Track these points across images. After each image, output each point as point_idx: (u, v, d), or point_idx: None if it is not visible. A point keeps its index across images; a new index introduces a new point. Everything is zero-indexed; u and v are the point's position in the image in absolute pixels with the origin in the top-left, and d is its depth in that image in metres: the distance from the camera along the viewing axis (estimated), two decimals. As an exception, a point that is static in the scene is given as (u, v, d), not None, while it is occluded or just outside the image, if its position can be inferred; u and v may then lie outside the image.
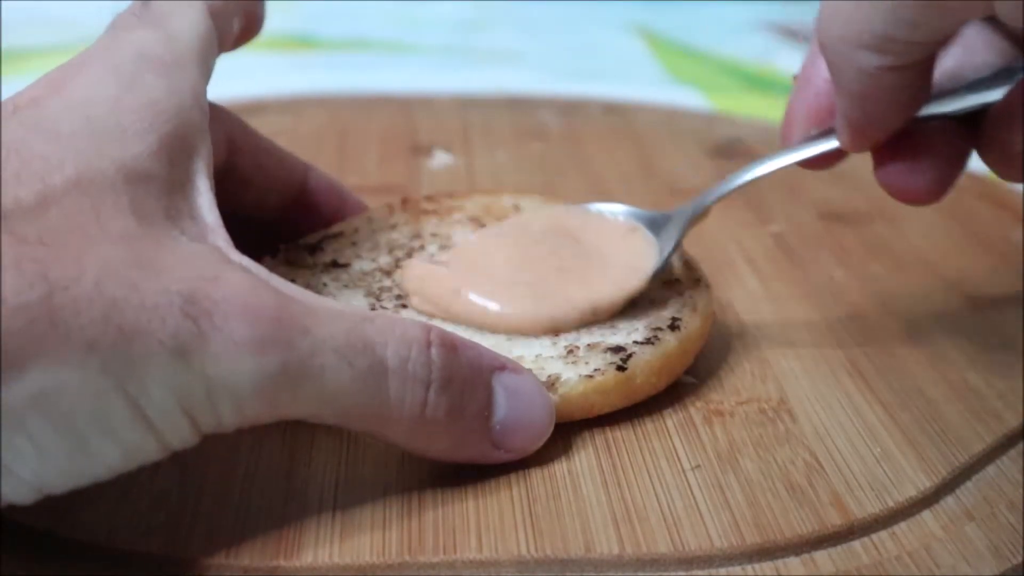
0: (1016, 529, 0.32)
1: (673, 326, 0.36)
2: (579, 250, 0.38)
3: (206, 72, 0.34)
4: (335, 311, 0.29)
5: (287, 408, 0.28)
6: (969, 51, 0.36)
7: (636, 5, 0.99)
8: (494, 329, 0.36)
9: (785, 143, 0.37)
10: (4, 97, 0.31)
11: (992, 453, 0.35)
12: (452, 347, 0.31)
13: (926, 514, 0.32)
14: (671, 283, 0.39)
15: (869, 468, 0.33)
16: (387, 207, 0.44)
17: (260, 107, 0.62)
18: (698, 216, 0.39)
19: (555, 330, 0.36)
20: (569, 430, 0.34)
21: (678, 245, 0.38)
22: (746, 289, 0.45)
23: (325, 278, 0.39)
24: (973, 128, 0.35)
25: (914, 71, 0.32)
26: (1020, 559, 0.30)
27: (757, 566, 0.30)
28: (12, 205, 0.26)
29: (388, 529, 0.30)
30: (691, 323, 0.37)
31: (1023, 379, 0.38)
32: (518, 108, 0.65)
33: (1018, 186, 0.56)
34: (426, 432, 0.30)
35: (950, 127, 0.35)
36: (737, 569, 0.30)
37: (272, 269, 0.38)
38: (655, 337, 0.36)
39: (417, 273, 0.38)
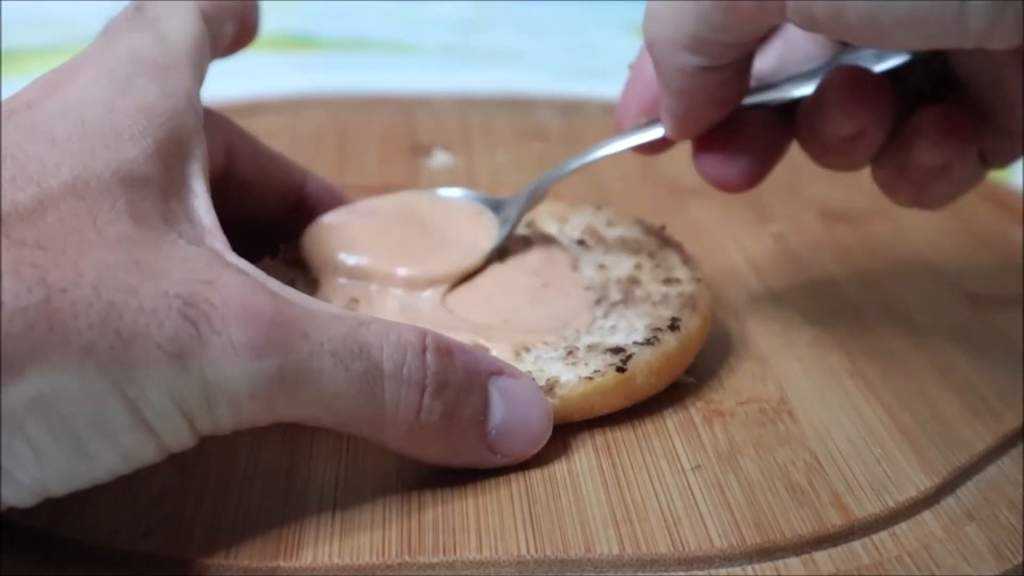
0: (1016, 529, 0.32)
1: (673, 326, 0.36)
2: (425, 231, 0.40)
3: (199, 75, 0.34)
4: (332, 314, 0.29)
5: (283, 411, 0.28)
6: (790, 46, 0.38)
7: (636, 5, 0.98)
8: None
9: (618, 130, 0.39)
10: (3, 97, 0.31)
11: (992, 453, 0.35)
12: (447, 351, 0.31)
13: (926, 514, 0.32)
14: (671, 282, 0.39)
15: (869, 468, 0.33)
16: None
17: (260, 107, 0.62)
18: (535, 199, 0.41)
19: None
20: (569, 430, 0.34)
21: (515, 226, 0.40)
22: (746, 289, 0.45)
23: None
24: (791, 119, 0.38)
25: (730, 70, 0.34)
26: (1020, 559, 0.30)
27: (757, 566, 0.30)
28: (9, 209, 0.26)
29: (388, 529, 0.30)
30: (691, 323, 0.37)
31: (1023, 379, 0.38)
32: (518, 108, 0.65)
33: (1018, 186, 0.56)
34: (422, 436, 0.30)
35: (770, 118, 0.38)
36: (737, 569, 0.30)
37: (272, 269, 0.38)
38: (655, 338, 0.36)
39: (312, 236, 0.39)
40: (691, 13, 0.32)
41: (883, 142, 0.36)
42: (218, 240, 0.30)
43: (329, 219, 0.40)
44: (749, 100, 0.37)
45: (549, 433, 0.33)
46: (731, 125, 0.37)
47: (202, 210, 0.30)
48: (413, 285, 0.38)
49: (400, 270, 0.38)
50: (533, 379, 0.33)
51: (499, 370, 0.32)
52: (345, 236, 0.39)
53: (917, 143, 0.36)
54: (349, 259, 0.38)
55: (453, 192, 0.42)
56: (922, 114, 0.36)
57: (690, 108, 0.36)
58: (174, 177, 0.30)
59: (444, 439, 0.31)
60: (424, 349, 0.30)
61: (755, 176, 0.38)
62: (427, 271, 0.38)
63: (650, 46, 0.34)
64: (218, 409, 0.27)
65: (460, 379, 0.31)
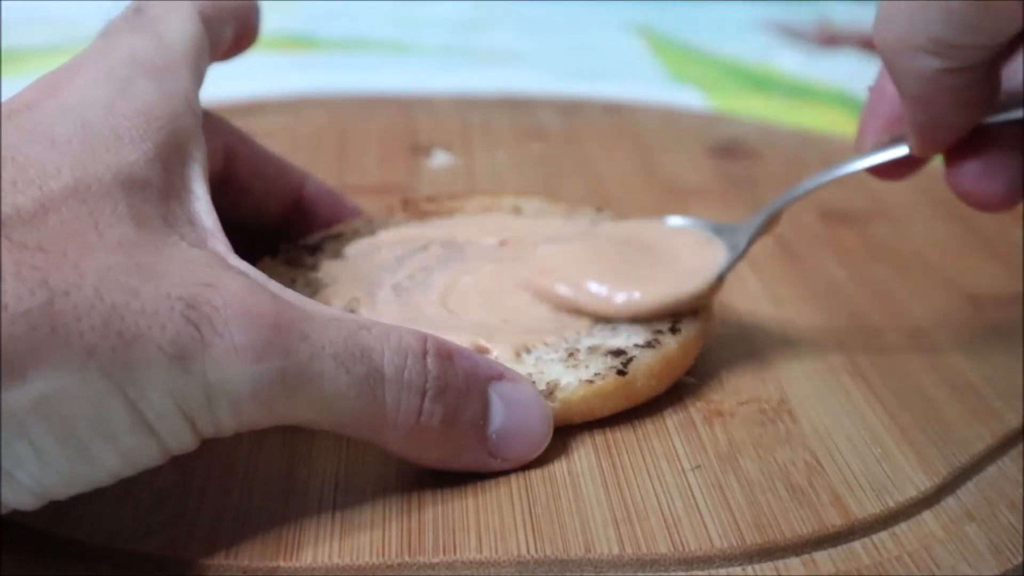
0: (1017, 529, 0.32)
1: (673, 328, 0.36)
2: (650, 256, 0.39)
3: (198, 77, 0.34)
4: (333, 317, 0.29)
5: (284, 413, 0.28)
6: None
7: (636, 5, 0.99)
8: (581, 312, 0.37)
9: (858, 151, 0.37)
10: (3, 98, 0.31)
11: (992, 453, 0.35)
12: (448, 356, 0.31)
13: (926, 514, 0.32)
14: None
15: (869, 468, 0.33)
16: (387, 208, 0.44)
17: (260, 107, 0.62)
18: (769, 224, 0.39)
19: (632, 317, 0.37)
20: (569, 431, 0.34)
21: (744, 252, 0.38)
22: (746, 289, 0.45)
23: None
24: None
25: (976, 73, 0.31)
26: (1020, 559, 0.30)
27: (757, 566, 0.30)
28: (10, 212, 0.26)
29: (388, 529, 0.30)
30: (691, 325, 0.37)
31: (1023, 379, 0.38)
32: (518, 108, 0.65)
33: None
34: (422, 440, 0.31)
35: (1022, 135, 0.34)
36: (737, 569, 0.30)
37: (272, 269, 0.38)
38: (655, 340, 0.36)
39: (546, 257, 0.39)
40: (933, 14, 0.29)
41: None
42: (220, 242, 0.30)
43: (556, 244, 0.39)
44: (1002, 117, 0.34)
45: (549, 437, 0.33)
46: (983, 141, 0.34)
47: (203, 212, 0.30)
48: (634, 311, 0.37)
49: (620, 295, 0.37)
50: (533, 383, 0.33)
51: (499, 374, 0.32)
52: (569, 260, 0.38)
53: None
54: (564, 290, 0.37)
55: (682, 220, 0.41)
56: None
57: (934, 116, 0.33)
58: (174, 180, 0.30)
59: (444, 443, 0.31)
60: (425, 353, 0.30)
61: (1015, 193, 0.34)
62: (650, 296, 0.37)
63: (884, 52, 0.32)
64: (219, 411, 0.27)
65: (460, 383, 0.31)
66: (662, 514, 0.31)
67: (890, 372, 0.39)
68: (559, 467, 0.33)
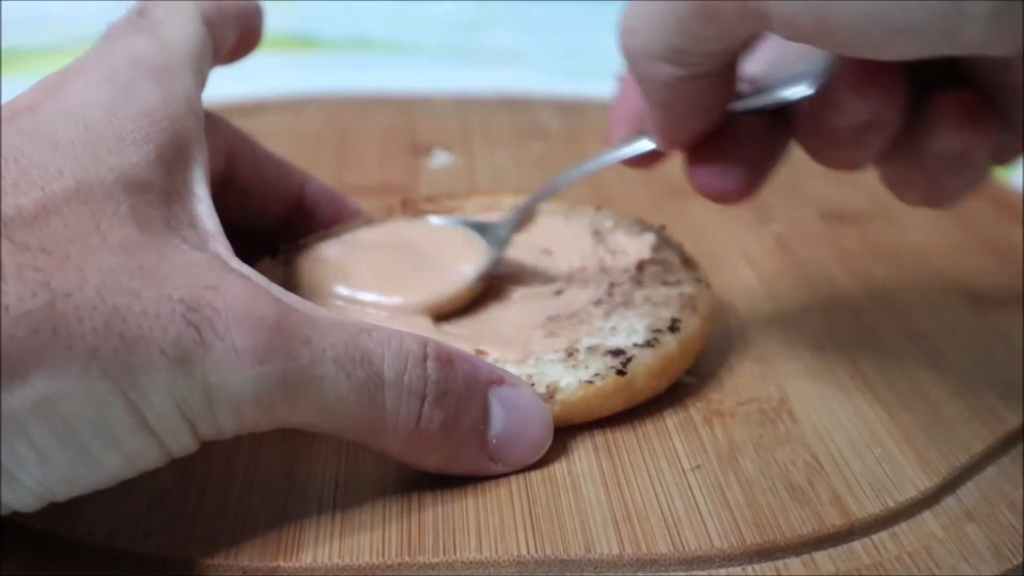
0: (1016, 529, 0.32)
1: (673, 328, 0.36)
2: (415, 259, 0.39)
3: (200, 79, 0.34)
4: (334, 321, 0.29)
5: (285, 416, 0.28)
6: (784, 44, 0.36)
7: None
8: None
9: (609, 143, 0.38)
10: (3, 99, 0.31)
11: (992, 453, 0.35)
12: (448, 360, 0.31)
13: (926, 514, 0.32)
14: (671, 283, 0.39)
15: (869, 468, 0.33)
16: (387, 208, 0.44)
17: (260, 107, 0.62)
18: (523, 220, 0.41)
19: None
20: (569, 431, 0.34)
21: (503, 249, 0.40)
22: (746, 289, 0.45)
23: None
24: (787, 122, 0.35)
25: (713, 78, 0.32)
26: (1020, 559, 0.30)
27: (757, 566, 0.30)
28: (13, 213, 0.26)
29: (388, 529, 0.30)
30: (691, 324, 0.37)
31: (1023, 379, 0.38)
32: (518, 108, 0.65)
33: (1018, 186, 0.56)
34: (422, 444, 0.31)
35: (764, 123, 0.35)
36: (737, 569, 0.30)
37: (271, 270, 0.38)
38: (655, 339, 0.36)
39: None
40: (667, 23, 0.30)
41: (895, 132, 0.34)
42: (221, 245, 0.30)
43: (324, 252, 0.39)
44: (741, 105, 0.35)
45: (549, 442, 0.33)
46: (723, 133, 0.35)
47: (205, 215, 0.30)
48: (402, 313, 0.37)
49: (390, 299, 0.37)
50: (533, 387, 0.33)
51: (500, 379, 0.32)
52: (338, 268, 0.38)
53: (936, 129, 0.33)
54: (343, 291, 0.37)
55: (444, 220, 0.42)
56: (940, 98, 0.33)
57: (674, 119, 0.34)
58: (176, 182, 0.30)
59: (444, 447, 0.31)
60: (425, 358, 0.30)
61: (751, 185, 0.36)
62: (414, 299, 0.37)
63: (627, 58, 0.33)
64: (220, 413, 0.27)
65: (460, 388, 0.31)
66: (662, 514, 0.31)
67: (890, 372, 0.39)
68: (559, 467, 0.33)
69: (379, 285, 0.38)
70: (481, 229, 0.41)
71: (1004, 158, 0.36)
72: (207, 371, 0.26)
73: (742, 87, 0.36)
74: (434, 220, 0.42)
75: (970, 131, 0.33)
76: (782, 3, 0.27)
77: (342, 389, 0.29)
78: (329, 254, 0.39)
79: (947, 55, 0.27)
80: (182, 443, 0.27)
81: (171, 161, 0.30)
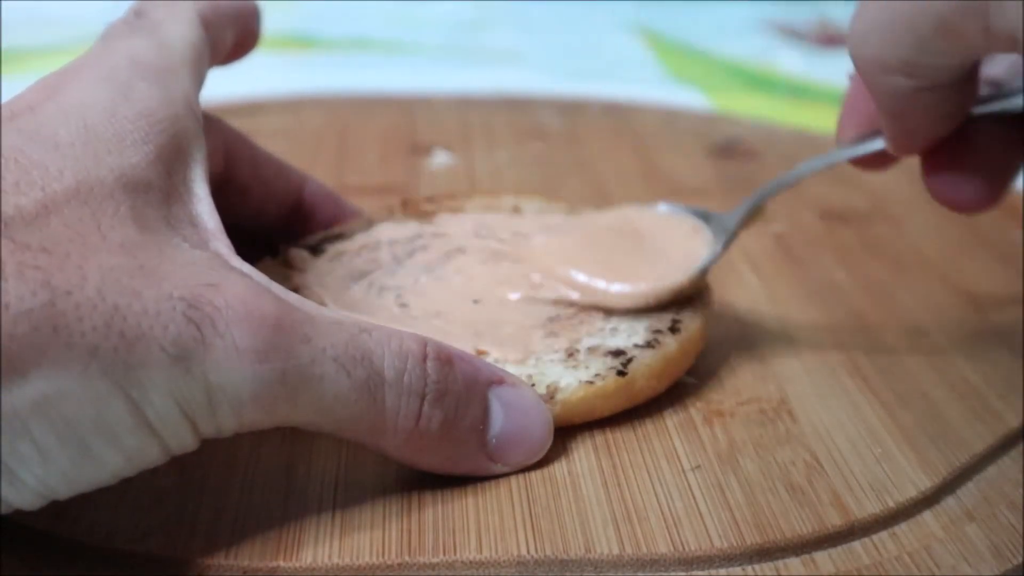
0: (1016, 529, 0.32)
1: (673, 328, 0.36)
2: (640, 246, 0.39)
3: (199, 80, 0.34)
4: (334, 320, 0.29)
5: (285, 415, 0.28)
6: None
7: (636, 5, 0.99)
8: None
9: (839, 141, 0.37)
10: (3, 99, 0.31)
11: (992, 453, 0.35)
12: (448, 360, 0.31)
13: (926, 514, 0.32)
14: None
15: (869, 468, 0.33)
16: (387, 208, 0.44)
17: (260, 107, 0.62)
18: (753, 214, 0.39)
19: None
20: (569, 431, 0.34)
21: (728, 244, 0.39)
22: (746, 289, 0.45)
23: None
24: None
25: (950, 89, 0.31)
26: (1020, 559, 0.30)
27: (757, 566, 0.30)
28: (13, 213, 0.26)
29: (388, 529, 0.30)
30: (691, 325, 0.37)
31: (1023, 379, 0.38)
32: (518, 108, 0.65)
33: (1018, 186, 0.56)
34: (421, 444, 0.31)
35: (1006, 128, 0.34)
36: (737, 569, 0.30)
37: (272, 270, 0.38)
38: (655, 340, 0.36)
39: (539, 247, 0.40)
40: (904, 38, 0.29)
41: None
42: (222, 244, 0.30)
43: (549, 235, 0.40)
44: (981, 109, 0.34)
45: (549, 442, 0.33)
46: (961, 139, 0.34)
47: (205, 214, 0.30)
48: (624, 303, 0.37)
49: (614, 287, 0.37)
50: (533, 387, 0.33)
51: (499, 379, 0.32)
52: (565, 251, 0.39)
53: None
54: (578, 276, 0.38)
55: (673, 208, 0.41)
56: None
57: (907, 127, 0.33)
58: (176, 182, 0.30)
59: (443, 447, 0.31)
60: (425, 357, 0.30)
61: (992, 195, 0.34)
62: (640, 288, 0.37)
63: (857, 65, 0.32)
64: (220, 412, 0.27)
65: (460, 388, 0.31)
66: (662, 514, 0.31)
67: (890, 372, 0.39)
68: (559, 467, 0.33)
69: (604, 272, 0.38)
70: (707, 219, 0.40)
71: None
72: (207, 369, 0.26)
73: (983, 90, 0.34)
74: (663, 207, 0.41)
75: None
76: None
77: (342, 388, 0.29)
78: (556, 237, 0.40)
79: None
80: (182, 441, 0.27)
81: (171, 161, 0.30)
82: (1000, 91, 0.34)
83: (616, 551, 0.30)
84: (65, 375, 0.25)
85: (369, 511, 0.31)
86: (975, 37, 0.28)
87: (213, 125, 0.37)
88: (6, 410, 0.24)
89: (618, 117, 0.65)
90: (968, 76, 0.32)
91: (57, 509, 0.28)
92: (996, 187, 0.34)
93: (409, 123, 0.62)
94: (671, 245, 0.39)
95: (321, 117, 0.62)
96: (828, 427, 0.35)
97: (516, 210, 0.44)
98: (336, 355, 0.28)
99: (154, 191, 0.29)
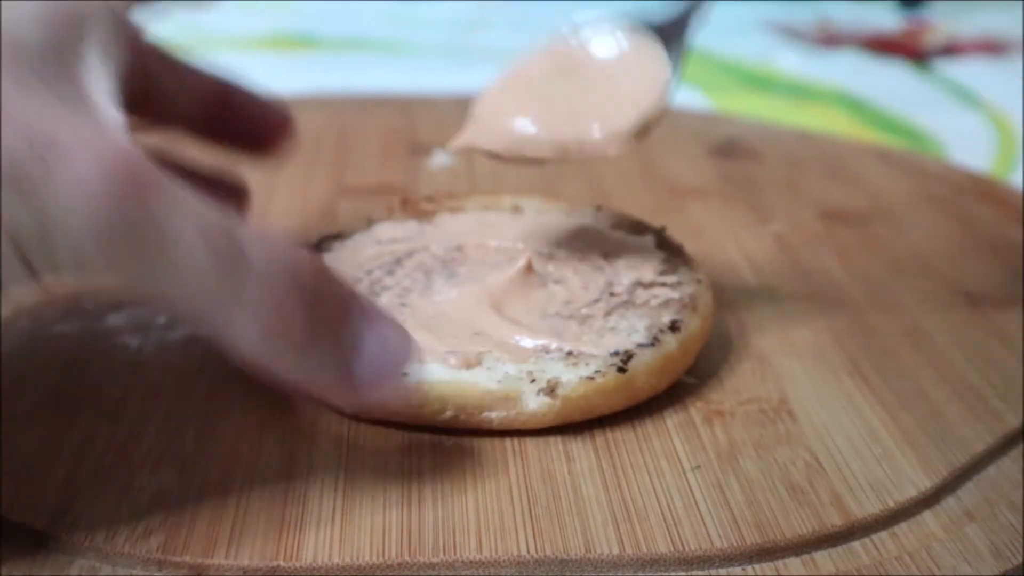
0: (1017, 529, 0.32)
1: (674, 327, 0.36)
2: (590, 81, 0.35)
3: None
4: (209, 203, 0.27)
5: (132, 274, 0.26)
6: None
7: (636, 5, 0.99)
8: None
9: None
10: None
11: (993, 453, 0.35)
12: (323, 270, 0.28)
13: (926, 514, 0.32)
14: (671, 284, 0.39)
15: (869, 468, 0.33)
16: (387, 208, 0.44)
17: (260, 107, 0.62)
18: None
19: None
20: (569, 430, 0.34)
21: (685, 47, 0.35)
22: (746, 289, 0.45)
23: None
24: None
25: None
26: (1020, 560, 0.30)
27: (757, 566, 0.30)
28: None
29: (388, 529, 0.30)
30: (691, 324, 0.37)
31: (1023, 379, 0.38)
32: (518, 108, 0.65)
33: (1018, 186, 0.56)
34: (278, 346, 0.28)
35: None
36: (737, 569, 0.30)
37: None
38: (655, 339, 0.36)
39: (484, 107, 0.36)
40: None
41: None
42: (108, 118, 0.27)
43: (491, 94, 0.35)
44: None
45: (416, 392, 0.31)
46: None
47: (92, 82, 0.28)
48: (608, 146, 0.33)
49: (592, 132, 0.33)
50: (406, 330, 0.30)
51: (372, 307, 0.30)
52: (514, 107, 0.34)
53: None
54: (529, 127, 0.33)
55: (595, 23, 0.36)
56: None
57: None
58: (63, 47, 0.28)
59: (302, 358, 0.28)
60: (300, 260, 0.28)
61: None
62: (616, 126, 0.33)
63: None
64: (56, 249, 0.25)
65: (331, 298, 0.28)
66: (662, 514, 0.31)
67: (890, 372, 0.39)
68: (559, 467, 0.33)
69: (570, 120, 0.33)
70: (639, 24, 0.35)
71: None
72: (46, 199, 0.25)
73: None
74: (586, 28, 0.36)
75: None
76: None
77: (199, 257, 0.26)
78: (496, 94, 0.35)
79: None
80: (12, 273, 0.25)
81: (58, 24, 0.28)
82: None
83: (616, 551, 0.30)
84: None
85: (369, 511, 0.31)
86: None
87: (128, 27, 0.34)
88: None
89: (618, 117, 0.65)
90: None
91: (58, 509, 0.28)
92: None
93: (409, 123, 0.62)
94: (621, 69, 0.35)
95: (321, 117, 0.62)
96: (828, 427, 0.35)
97: (516, 210, 0.44)
98: (199, 223, 0.26)
99: (35, 48, 0.27)
